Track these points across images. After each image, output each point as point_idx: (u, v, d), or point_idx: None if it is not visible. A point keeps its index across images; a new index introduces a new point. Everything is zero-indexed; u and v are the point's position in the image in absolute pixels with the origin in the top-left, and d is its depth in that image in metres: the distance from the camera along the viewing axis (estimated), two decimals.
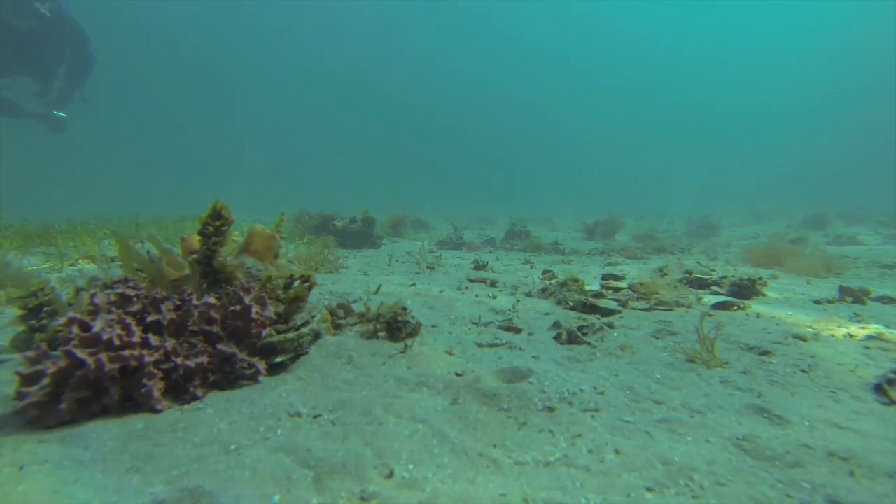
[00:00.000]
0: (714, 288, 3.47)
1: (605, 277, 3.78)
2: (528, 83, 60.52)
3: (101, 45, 7.73)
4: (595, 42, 58.44)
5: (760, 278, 3.38)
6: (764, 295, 3.29)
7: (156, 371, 1.40)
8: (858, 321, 2.60)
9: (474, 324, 2.42)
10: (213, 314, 1.56)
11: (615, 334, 2.31)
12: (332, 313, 2.22)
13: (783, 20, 52.75)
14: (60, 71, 8.00)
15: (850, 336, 2.32)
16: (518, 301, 3.00)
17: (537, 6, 53.03)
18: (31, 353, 1.33)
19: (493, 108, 58.81)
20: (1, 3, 6.94)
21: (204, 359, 1.50)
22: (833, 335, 2.34)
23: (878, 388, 1.68)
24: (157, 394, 1.38)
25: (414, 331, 2.16)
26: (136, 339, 1.39)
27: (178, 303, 1.56)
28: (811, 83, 52.88)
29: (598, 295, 3.06)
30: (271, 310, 1.68)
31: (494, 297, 3.07)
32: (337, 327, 2.16)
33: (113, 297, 1.47)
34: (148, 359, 1.38)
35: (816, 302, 3.09)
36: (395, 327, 2.12)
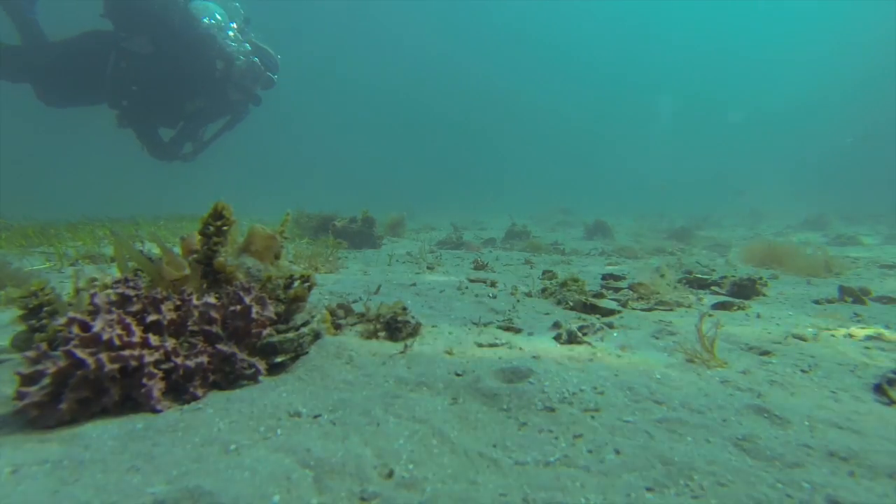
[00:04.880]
0: (714, 288, 3.47)
1: (605, 277, 3.78)
2: (526, 83, 60.55)
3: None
4: (593, 42, 58.47)
5: (760, 278, 3.38)
6: (764, 295, 3.29)
7: (156, 371, 1.40)
8: (859, 321, 2.60)
9: (474, 324, 2.42)
10: (213, 314, 1.56)
11: (615, 334, 2.31)
12: (332, 313, 2.22)
13: (784, 18, 52.77)
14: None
15: (851, 336, 2.32)
16: (518, 301, 3.00)
17: (538, 3, 52.99)
18: (31, 353, 1.33)
19: (492, 109, 58.83)
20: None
21: (204, 359, 1.50)
22: (833, 335, 2.34)
23: (878, 388, 1.68)
24: (157, 394, 1.38)
25: (414, 331, 2.16)
26: (136, 339, 1.39)
27: (178, 303, 1.56)
28: (810, 83, 52.94)
29: (598, 295, 3.06)
30: (271, 310, 1.68)
31: (494, 297, 3.07)
32: (337, 327, 2.16)
33: (113, 297, 1.47)
34: (148, 359, 1.38)
35: (816, 302, 3.09)
36: (395, 327, 2.12)
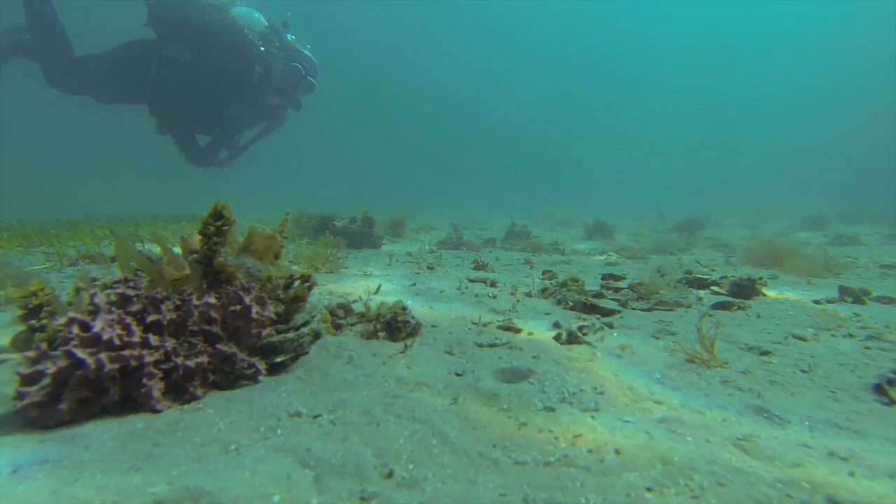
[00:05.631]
0: (714, 288, 3.47)
1: (605, 277, 3.78)
2: (526, 84, 60.46)
3: (90, 38, 7.76)
4: (592, 40, 58.41)
5: (760, 278, 3.37)
6: (764, 295, 3.29)
7: (156, 371, 1.40)
8: (859, 321, 2.60)
9: (474, 324, 2.42)
10: (213, 314, 1.56)
11: (615, 334, 2.31)
12: (332, 313, 2.22)
13: (784, 14, 52.69)
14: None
15: (851, 336, 2.32)
16: (518, 301, 3.00)
17: (539, 5, 53.00)
18: (31, 353, 1.33)
19: (490, 107, 58.78)
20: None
21: (204, 359, 1.50)
22: (833, 335, 2.34)
23: (878, 388, 1.68)
24: (157, 394, 1.38)
25: (414, 331, 2.16)
26: (136, 339, 1.39)
27: (178, 303, 1.56)
28: (811, 82, 52.90)
29: (598, 295, 3.06)
30: (271, 310, 1.68)
31: (494, 297, 3.07)
32: (337, 327, 2.16)
33: (113, 297, 1.47)
34: (148, 359, 1.38)
35: (816, 302, 3.09)
36: (395, 327, 2.12)
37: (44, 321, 1.75)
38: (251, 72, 7.24)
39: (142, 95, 7.25)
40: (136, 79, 7.07)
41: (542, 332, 2.31)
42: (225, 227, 1.71)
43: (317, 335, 1.90)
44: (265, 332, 1.68)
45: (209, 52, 6.98)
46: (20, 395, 1.27)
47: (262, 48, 7.21)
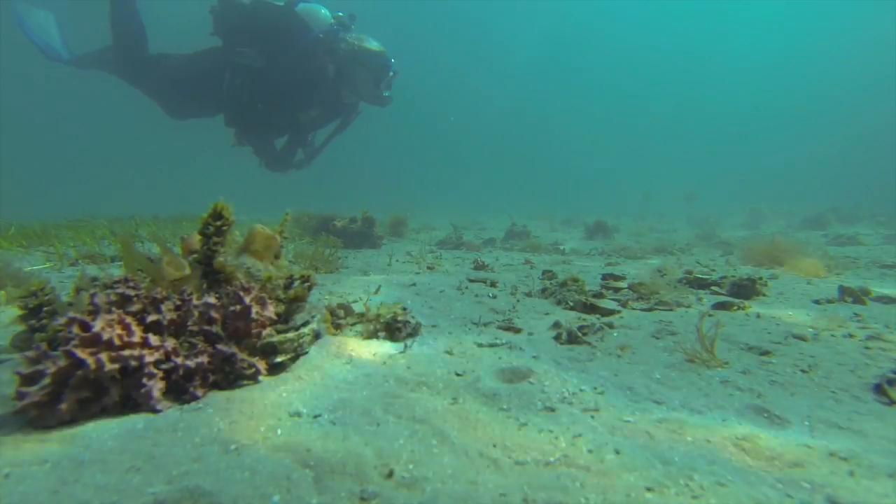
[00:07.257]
0: (714, 288, 3.47)
1: (605, 277, 3.77)
2: (526, 85, 60.49)
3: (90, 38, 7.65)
4: (589, 41, 58.40)
5: (760, 278, 3.37)
6: (764, 295, 3.29)
7: (156, 371, 1.40)
8: (859, 321, 2.60)
9: (474, 324, 2.42)
10: (213, 314, 1.56)
11: (615, 334, 2.31)
12: (332, 313, 2.22)
13: (782, 18, 52.70)
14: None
15: (851, 336, 2.32)
16: (518, 301, 3.00)
17: (533, 8, 53.00)
18: (31, 353, 1.33)
19: (491, 108, 58.78)
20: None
21: (204, 359, 1.50)
22: (833, 335, 2.34)
23: (878, 388, 1.68)
24: (157, 394, 1.38)
25: (414, 331, 2.16)
26: (136, 338, 1.39)
27: (178, 303, 1.56)
28: (810, 83, 52.93)
29: (598, 295, 3.06)
30: (271, 310, 1.68)
31: (494, 297, 3.07)
32: (337, 327, 2.16)
33: (113, 297, 1.47)
34: (148, 359, 1.38)
35: (816, 302, 3.09)
36: (395, 327, 2.12)
37: (44, 321, 1.75)
38: (325, 72, 6.96)
39: (217, 106, 7.10)
40: (208, 90, 6.94)
41: (543, 332, 2.31)
42: (224, 227, 1.71)
43: (317, 335, 1.90)
44: (265, 332, 1.68)
45: (280, 55, 6.76)
46: (20, 395, 1.27)
47: (334, 46, 6.91)
